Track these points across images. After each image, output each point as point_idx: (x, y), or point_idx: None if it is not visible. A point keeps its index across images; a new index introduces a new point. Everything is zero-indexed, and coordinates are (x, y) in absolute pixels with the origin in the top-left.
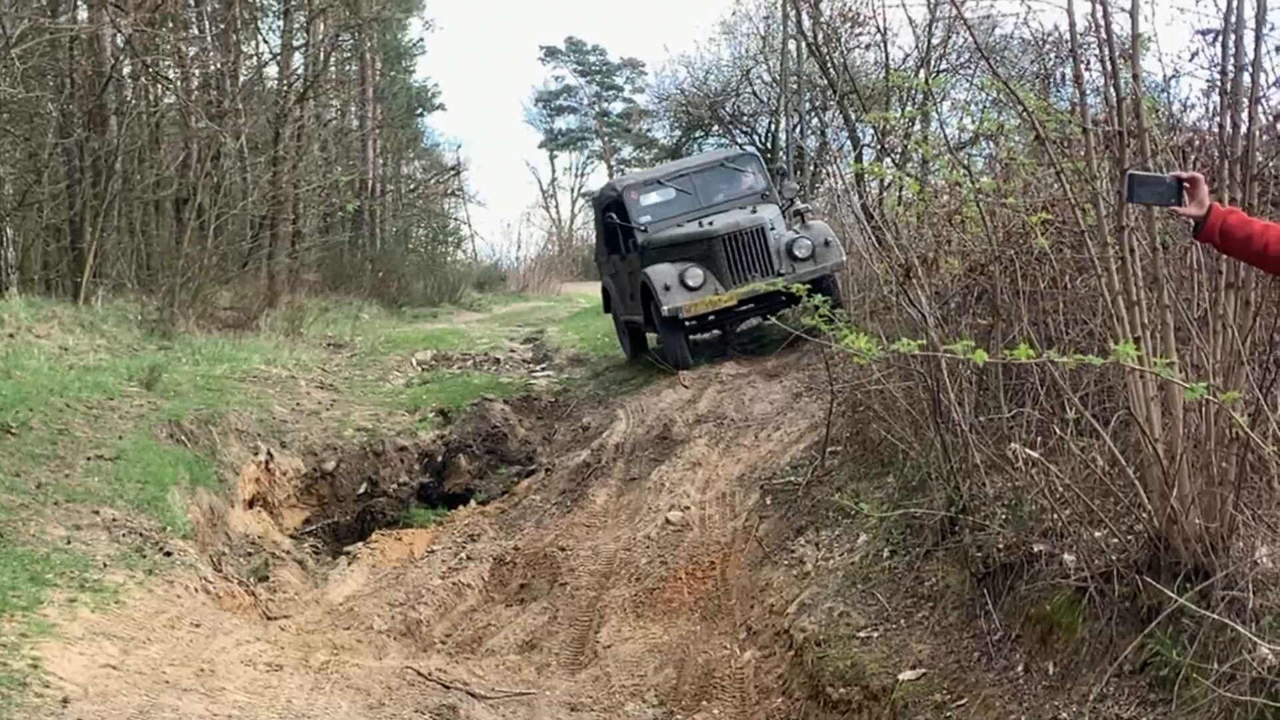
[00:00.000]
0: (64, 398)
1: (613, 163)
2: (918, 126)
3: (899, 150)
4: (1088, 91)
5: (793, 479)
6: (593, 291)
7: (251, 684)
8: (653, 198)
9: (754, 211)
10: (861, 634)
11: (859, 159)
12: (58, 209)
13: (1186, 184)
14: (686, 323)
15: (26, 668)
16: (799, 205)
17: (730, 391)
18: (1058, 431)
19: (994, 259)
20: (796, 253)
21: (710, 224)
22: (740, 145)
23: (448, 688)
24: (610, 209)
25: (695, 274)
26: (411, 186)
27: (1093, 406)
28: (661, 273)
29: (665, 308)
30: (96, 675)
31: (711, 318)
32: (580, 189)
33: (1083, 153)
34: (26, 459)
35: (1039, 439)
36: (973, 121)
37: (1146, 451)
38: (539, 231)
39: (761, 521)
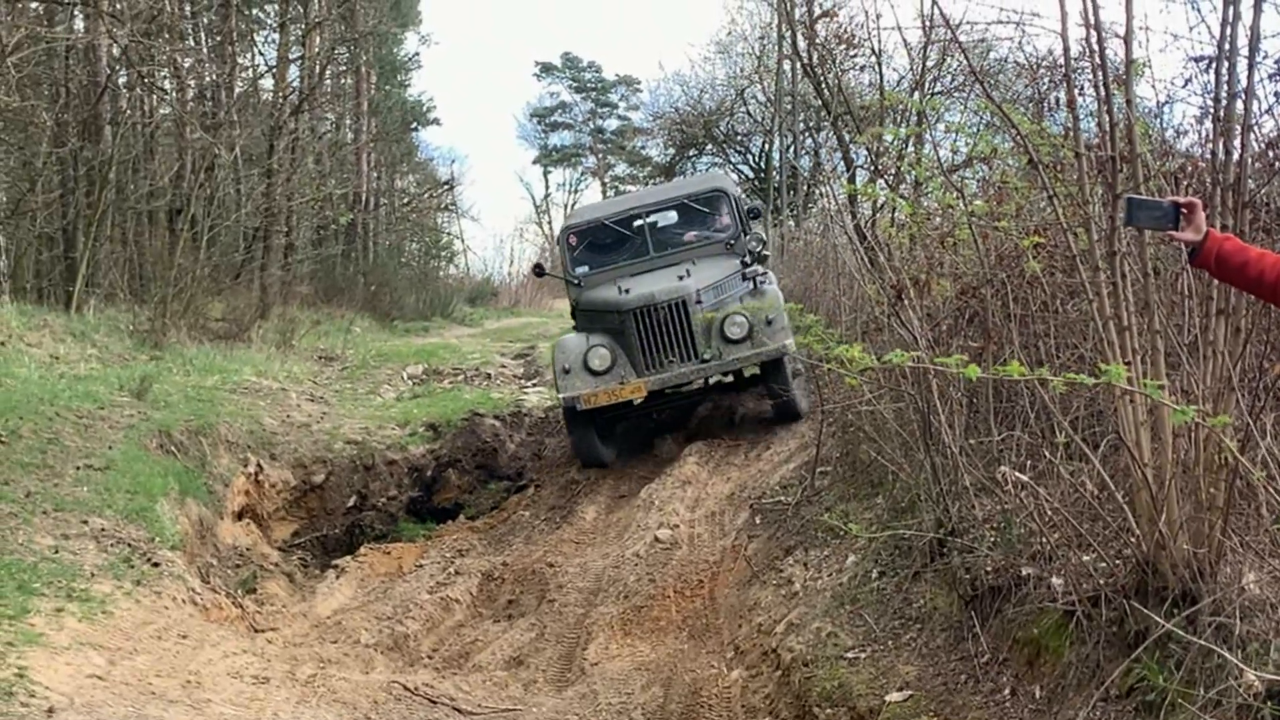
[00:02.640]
0: (54, 407)
1: (606, 179)
2: (911, 148)
3: (892, 172)
4: (1081, 116)
5: (782, 498)
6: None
7: (238, 696)
8: (595, 241)
9: (685, 276)
10: (849, 655)
11: (852, 180)
12: (51, 218)
13: (1184, 209)
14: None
15: (13, 677)
16: (756, 269)
17: (721, 410)
18: (1047, 455)
19: (986, 282)
20: (729, 333)
21: (626, 292)
22: (726, 167)
23: (434, 703)
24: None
25: (601, 355)
26: (405, 200)
27: (1082, 430)
28: (567, 349)
29: (561, 395)
30: (83, 685)
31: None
32: (574, 205)
33: (1075, 177)
34: (15, 468)
35: (1028, 462)
36: (966, 144)
37: (1135, 476)
38: (532, 247)
39: (750, 541)
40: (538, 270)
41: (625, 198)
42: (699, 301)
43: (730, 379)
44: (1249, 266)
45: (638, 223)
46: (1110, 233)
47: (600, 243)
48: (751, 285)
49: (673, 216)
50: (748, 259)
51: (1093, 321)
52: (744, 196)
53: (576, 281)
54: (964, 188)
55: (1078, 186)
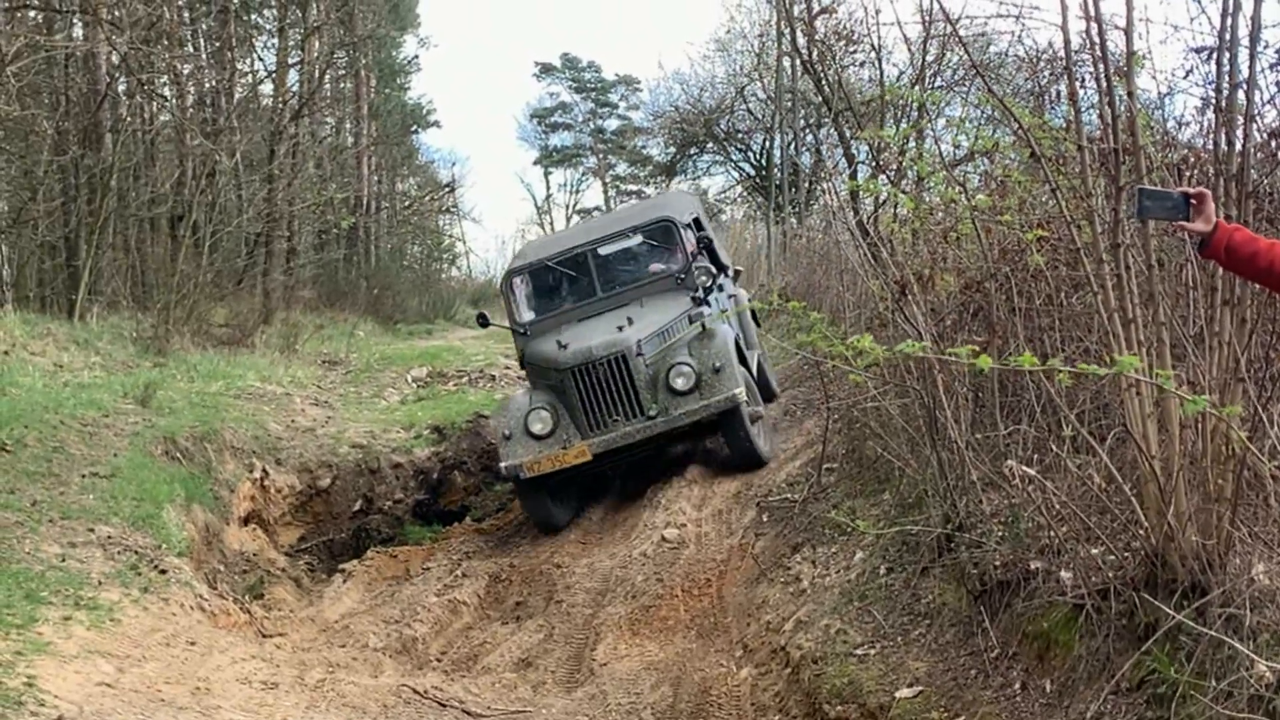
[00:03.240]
0: (59, 415)
1: (608, 179)
2: (912, 143)
3: (894, 167)
4: (1082, 109)
5: (789, 496)
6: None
7: (247, 702)
8: (540, 285)
9: (626, 325)
10: (858, 651)
11: (854, 176)
12: (53, 226)
13: (1193, 200)
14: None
15: (22, 686)
16: (703, 309)
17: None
18: (1054, 449)
19: (990, 276)
20: (674, 384)
21: (564, 347)
22: (726, 165)
23: (444, 706)
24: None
25: (543, 418)
26: (406, 203)
27: (1089, 424)
28: (508, 411)
29: (503, 465)
30: (92, 693)
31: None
32: (575, 206)
33: (1078, 170)
34: (21, 476)
35: (1035, 456)
36: (968, 138)
37: (1143, 468)
38: None
39: (758, 539)
40: (481, 320)
41: (570, 233)
42: (640, 354)
43: (678, 431)
44: (1259, 257)
45: (582, 261)
46: (1114, 225)
47: (546, 285)
48: (700, 328)
49: (622, 249)
50: (699, 293)
51: (1097, 314)
52: (699, 218)
53: (523, 330)
54: (966, 182)
55: (1080, 179)
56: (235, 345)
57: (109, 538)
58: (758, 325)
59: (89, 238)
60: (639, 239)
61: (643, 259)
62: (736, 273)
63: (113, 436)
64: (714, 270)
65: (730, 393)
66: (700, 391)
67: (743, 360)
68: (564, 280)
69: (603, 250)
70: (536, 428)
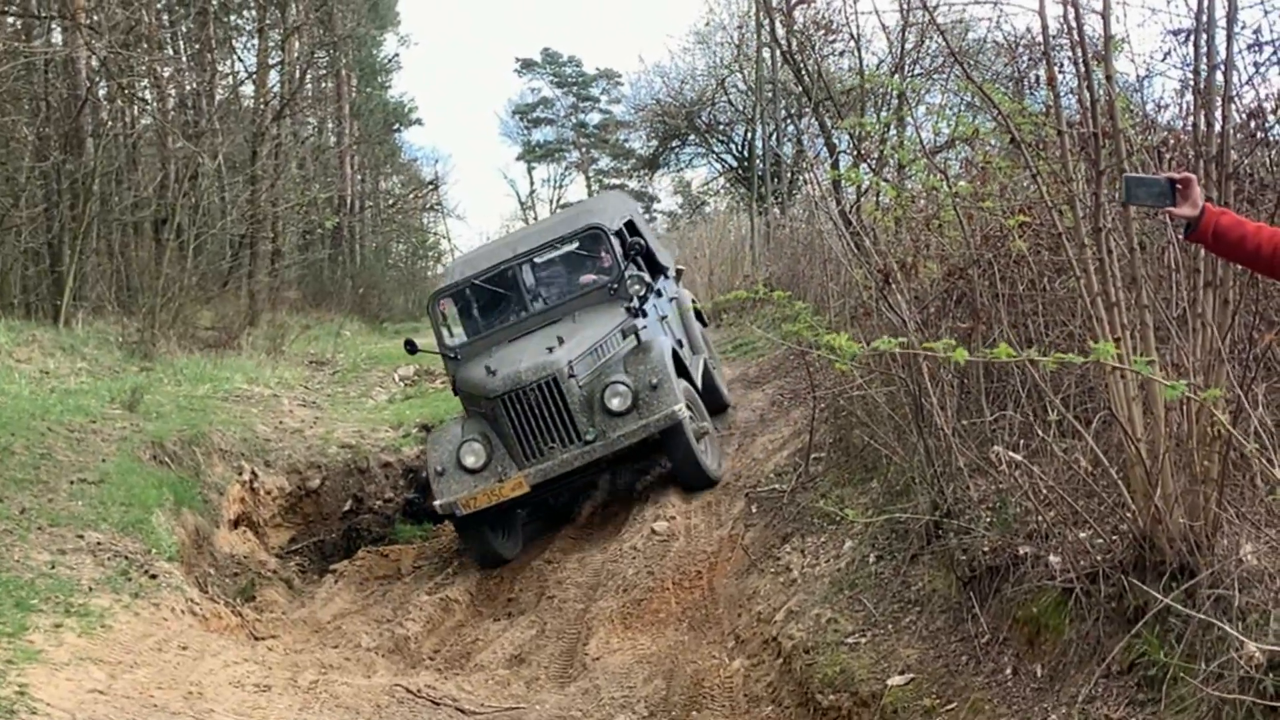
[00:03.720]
0: (46, 421)
1: (590, 173)
2: (893, 131)
3: (875, 156)
4: (1061, 93)
5: (777, 486)
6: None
7: (240, 705)
8: (468, 304)
9: (556, 345)
10: (849, 640)
11: (835, 165)
12: (36, 232)
13: (1179, 185)
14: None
15: (14, 695)
16: (637, 322)
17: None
18: (1040, 433)
19: (972, 262)
20: (611, 405)
21: (493, 372)
22: (709, 157)
23: (437, 704)
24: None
25: (475, 450)
26: (390, 202)
27: (1074, 408)
28: (439, 444)
29: (437, 503)
30: (84, 700)
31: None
32: (559, 201)
33: (1058, 155)
34: (9, 484)
35: (1021, 441)
36: (948, 126)
37: (1129, 451)
38: None
39: (747, 530)
40: (409, 347)
41: (497, 246)
42: (572, 375)
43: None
44: (1246, 240)
45: (510, 277)
46: (1095, 209)
47: (476, 305)
48: (635, 341)
49: (551, 261)
50: (633, 303)
51: (1080, 298)
52: (633, 221)
53: (453, 355)
54: (947, 169)
55: (1061, 164)
56: (222, 348)
57: (98, 544)
58: (703, 324)
59: (72, 243)
60: (568, 249)
61: (574, 270)
62: (678, 273)
63: (100, 442)
64: (648, 277)
65: (670, 409)
66: (638, 411)
67: (684, 371)
68: (493, 298)
69: (531, 264)
70: (469, 461)
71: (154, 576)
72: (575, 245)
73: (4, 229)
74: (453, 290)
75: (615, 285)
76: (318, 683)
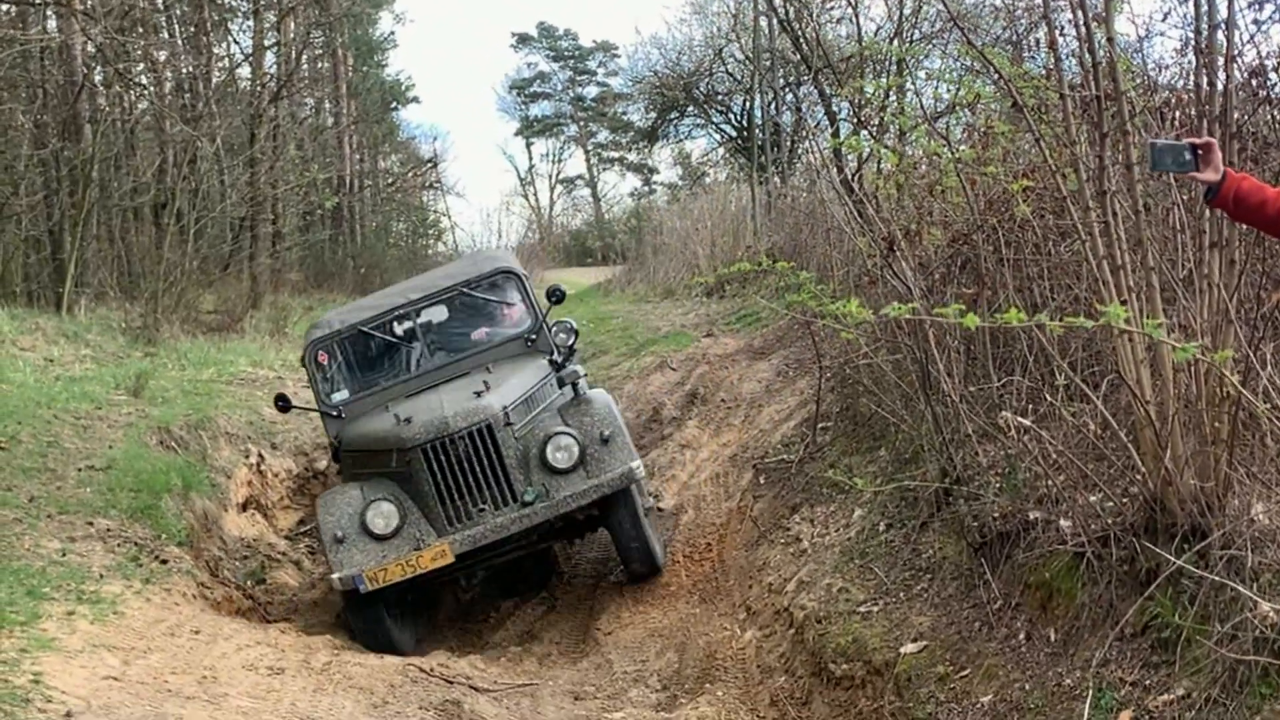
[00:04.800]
0: (52, 409)
1: (589, 147)
2: (894, 98)
3: (876, 123)
4: (1062, 56)
5: (785, 457)
6: (578, 278)
7: (254, 688)
8: (353, 356)
9: (484, 390)
10: (861, 609)
11: (836, 134)
12: (36, 220)
13: (1200, 150)
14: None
15: (28, 683)
16: (575, 369)
17: (719, 371)
18: (1048, 398)
19: (976, 228)
20: (554, 460)
21: (406, 421)
22: (708, 128)
23: (450, 683)
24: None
25: (385, 512)
26: (389, 181)
27: (1082, 371)
28: (334, 508)
29: (336, 576)
30: (99, 687)
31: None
32: (558, 175)
33: (1060, 118)
34: (17, 473)
35: (1030, 406)
36: (949, 91)
37: (1138, 414)
38: (519, 220)
39: (756, 501)
40: (280, 404)
41: (385, 293)
42: (509, 423)
43: (560, 523)
44: (1268, 205)
45: (405, 325)
46: (1099, 172)
47: (362, 357)
48: (571, 391)
49: (453, 309)
50: (556, 355)
51: (1086, 262)
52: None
53: (336, 413)
54: (949, 134)
55: (1064, 127)
56: (225, 331)
57: (108, 530)
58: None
59: (73, 230)
60: (475, 295)
61: (481, 318)
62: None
63: (107, 429)
64: (573, 326)
65: (627, 466)
66: (586, 468)
67: None
68: (385, 349)
69: (428, 311)
70: (378, 525)
71: (164, 562)
72: (482, 291)
73: (4, 217)
74: (334, 339)
75: (534, 335)
76: (331, 664)
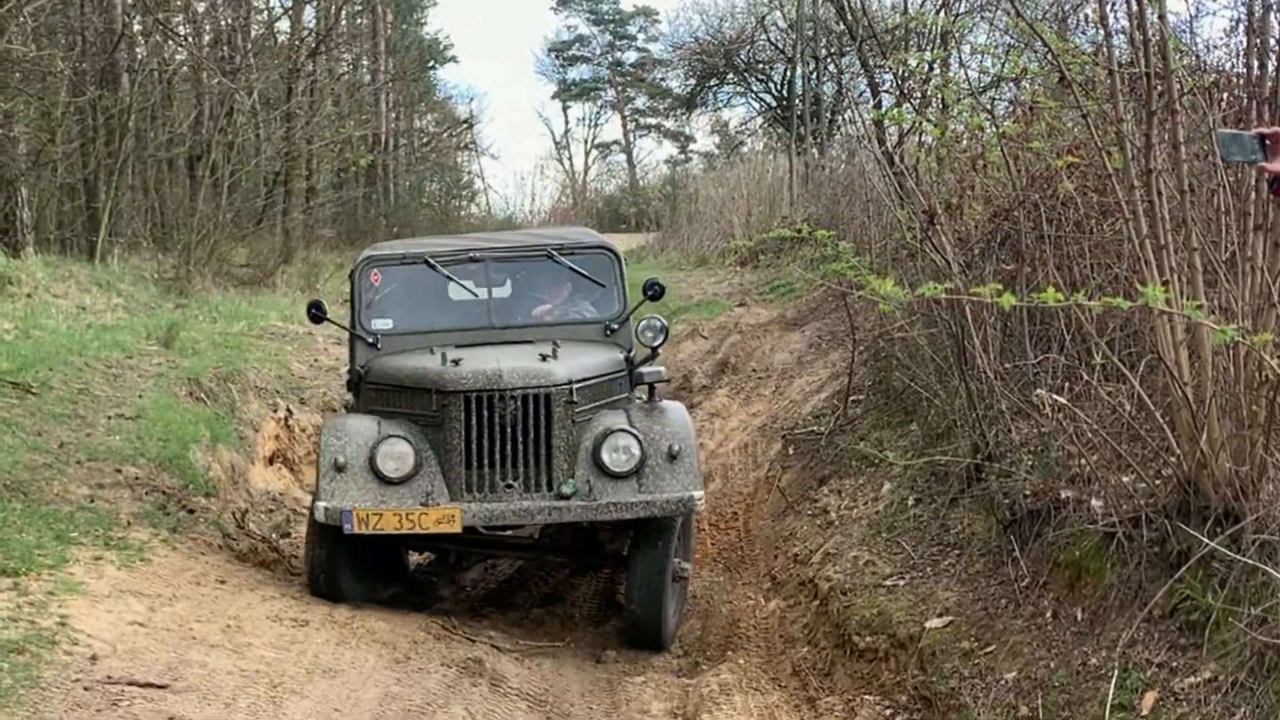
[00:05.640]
0: (83, 357)
1: (627, 113)
2: (937, 71)
3: (919, 95)
4: (1112, 32)
5: (815, 428)
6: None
7: (278, 639)
8: (408, 288)
9: (549, 357)
10: (887, 582)
11: (878, 105)
12: (71, 168)
13: (1270, 139)
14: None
15: (55, 625)
16: (649, 369)
17: (750, 341)
18: (1084, 376)
19: (1018, 203)
20: (609, 461)
21: (455, 363)
22: (747, 96)
23: (473, 641)
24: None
25: (400, 453)
26: (424, 140)
27: (1119, 351)
28: (345, 433)
29: (322, 505)
30: (125, 632)
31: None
32: (594, 140)
33: (1107, 94)
34: (48, 418)
35: (1065, 384)
36: (993, 64)
37: (1175, 395)
38: (553, 184)
39: (784, 472)
40: (314, 312)
41: (462, 236)
42: (571, 400)
43: (580, 539)
44: None
45: (477, 273)
46: (1145, 150)
47: (416, 290)
48: (645, 394)
49: (533, 271)
50: (633, 353)
51: (1128, 241)
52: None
53: (372, 340)
54: (993, 108)
55: (1110, 104)
56: (256, 285)
57: (136, 478)
58: None
59: (108, 179)
60: (563, 263)
61: (559, 290)
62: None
63: (137, 378)
64: (663, 324)
65: (689, 494)
66: (641, 480)
67: None
68: (446, 292)
69: (507, 265)
70: (389, 466)
71: (191, 511)
72: (574, 261)
73: (40, 164)
74: (394, 262)
75: (617, 325)
76: (354, 618)
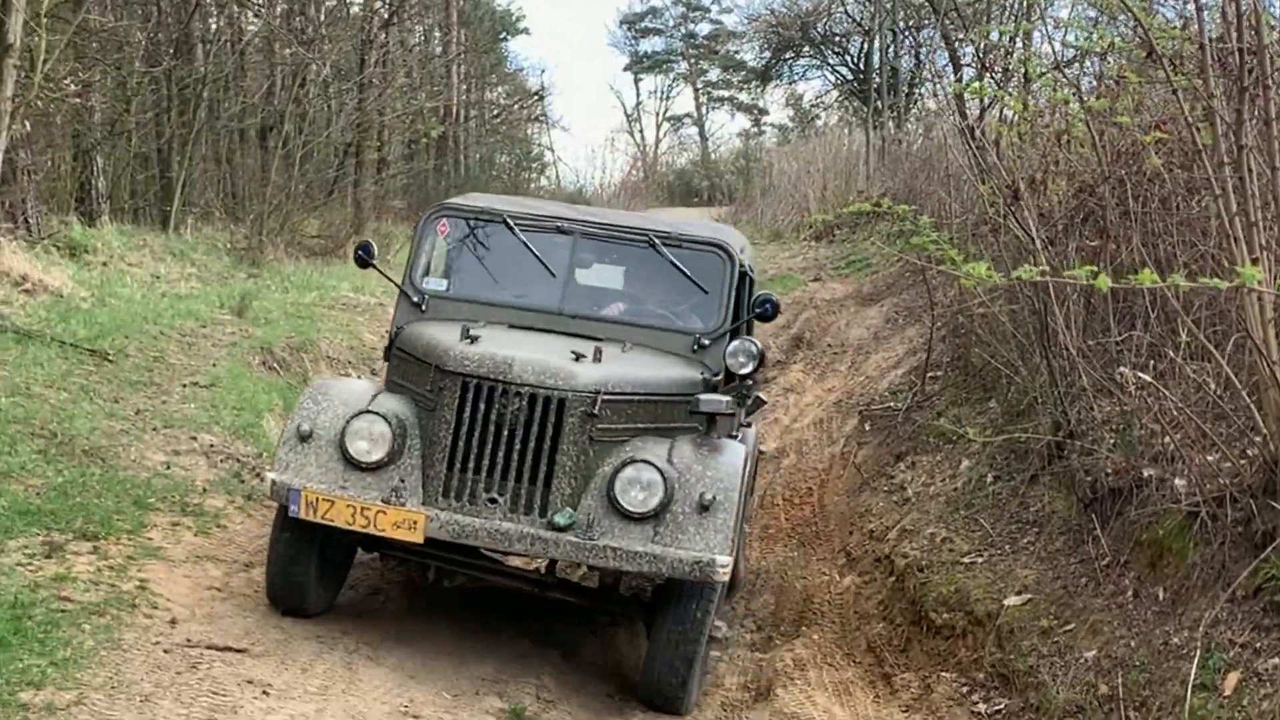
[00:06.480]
0: (158, 325)
1: (699, 85)
2: (1020, 44)
3: (1001, 68)
4: (1203, 6)
5: (892, 405)
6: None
7: (356, 605)
8: (477, 249)
9: (588, 358)
10: (965, 560)
11: (960, 78)
12: (145, 138)
13: None
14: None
15: (134, 589)
16: (708, 396)
17: (826, 316)
18: (1169, 354)
19: (1103, 179)
20: (622, 497)
21: (471, 340)
22: (824, 69)
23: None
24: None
25: (377, 434)
26: (495, 112)
27: (1205, 329)
28: (326, 396)
29: (272, 476)
30: (203, 597)
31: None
32: (665, 113)
33: (1196, 69)
34: (124, 385)
35: (1149, 362)
36: (1078, 38)
37: (1262, 374)
38: (623, 157)
39: (860, 448)
40: (361, 255)
41: (552, 203)
42: (593, 414)
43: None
44: None
45: (561, 248)
46: (1237, 127)
47: (484, 254)
48: (705, 421)
49: (626, 258)
50: (712, 374)
51: (1215, 218)
52: (751, 272)
53: (418, 300)
54: (1079, 83)
55: (1200, 79)
56: (327, 256)
57: (211, 446)
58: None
59: (181, 149)
60: (667, 255)
61: (652, 288)
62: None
63: (211, 347)
64: (759, 350)
65: (709, 557)
66: (659, 528)
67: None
68: (517, 263)
69: (598, 247)
70: (359, 447)
71: (265, 480)
72: (680, 256)
73: (115, 134)
74: (467, 215)
75: (705, 340)
76: (433, 585)
